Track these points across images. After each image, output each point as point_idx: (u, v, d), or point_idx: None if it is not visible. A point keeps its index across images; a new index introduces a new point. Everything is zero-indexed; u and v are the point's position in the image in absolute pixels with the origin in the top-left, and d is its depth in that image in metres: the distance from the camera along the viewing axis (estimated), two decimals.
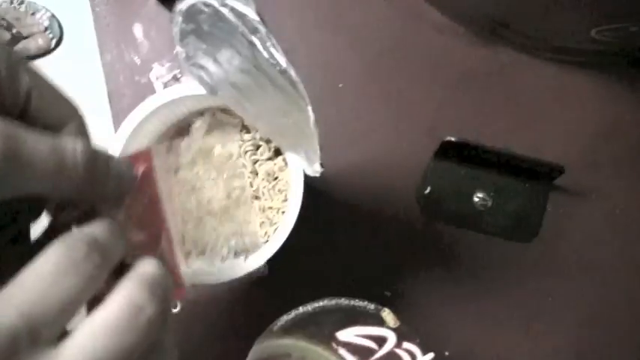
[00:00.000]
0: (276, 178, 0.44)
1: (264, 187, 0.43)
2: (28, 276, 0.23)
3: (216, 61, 0.36)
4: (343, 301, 0.45)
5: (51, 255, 0.23)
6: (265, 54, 0.33)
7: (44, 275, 0.23)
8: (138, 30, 0.54)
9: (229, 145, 0.44)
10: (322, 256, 0.52)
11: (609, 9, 0.44)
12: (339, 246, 0.52)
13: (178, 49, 0.36)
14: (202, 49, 0.36)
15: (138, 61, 0.53)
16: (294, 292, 0.46)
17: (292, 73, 0.33)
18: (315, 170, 0.38)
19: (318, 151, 0.36)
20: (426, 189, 0.52)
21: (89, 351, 0.23)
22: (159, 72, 0.53)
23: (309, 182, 0.39)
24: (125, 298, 0.24)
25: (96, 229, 0.26)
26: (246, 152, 0.44)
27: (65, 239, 0.24)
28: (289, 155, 0.42)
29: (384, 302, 0.48)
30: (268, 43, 0.32)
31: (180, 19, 0.34)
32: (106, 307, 0.24)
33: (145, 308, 0.24)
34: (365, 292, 0.50)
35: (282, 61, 0.32)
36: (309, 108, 0.33)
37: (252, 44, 0.33)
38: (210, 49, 0.36)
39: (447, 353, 0.51)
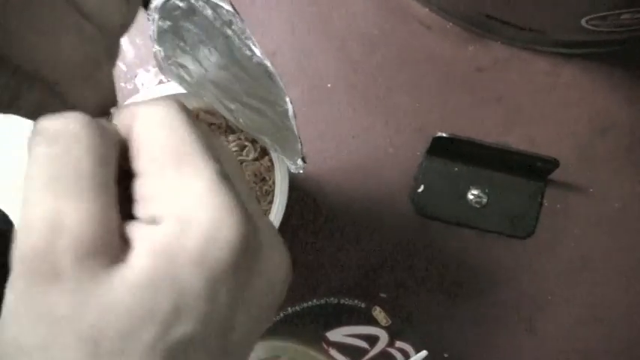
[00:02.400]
0: (263, 179, 0.43)
1: (251, 188, 0.43)
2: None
3: (195, 58, 0.36)
4: (332, 300, 0.45)
5: (175, 114, 0.22)
6: (241, 46, 0.32)
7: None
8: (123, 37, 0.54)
9: None
10: (312, 257, 0.51)
11: None
12: (331, 247, 0.52)
13: (156, 47, 0.36)
14: (180, 47, 0.36)
15: (123, 67, 0.53)
16: None
17: (269, 64, 0.32)
18: (298, 166, 0.37)
19: (300, 145, 0.35)
20: (419, 187, 0.51)
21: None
22: (145, 78, 0.53)
23: (298, 183, 0.39)
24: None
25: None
26: None
27: (160, 104, 0.23)
28: (274, 154, 0.41)
29: (380, 303, 0.47)
30: (244, 36, 0.32)
31: (156, 16, 0.34)
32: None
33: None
34: (359, 294, 0.49)
35: (259, 52, 0.32)
36: (288, 99, 0.33)
37: (227, 37, 0.32)
38: (188, 47, 0.35)
39: (445, 355, 0.50)
